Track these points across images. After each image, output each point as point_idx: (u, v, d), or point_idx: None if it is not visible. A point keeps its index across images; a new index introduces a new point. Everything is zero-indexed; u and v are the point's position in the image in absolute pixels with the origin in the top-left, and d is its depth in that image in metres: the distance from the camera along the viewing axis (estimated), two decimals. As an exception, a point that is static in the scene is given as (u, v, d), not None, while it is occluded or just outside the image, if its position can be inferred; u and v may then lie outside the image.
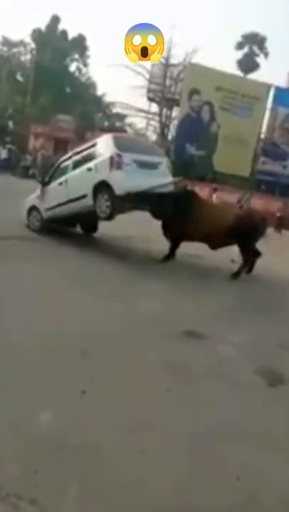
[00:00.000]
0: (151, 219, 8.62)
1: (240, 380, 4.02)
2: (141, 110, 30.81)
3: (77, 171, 8.59)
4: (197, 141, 27.11)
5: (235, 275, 8.12)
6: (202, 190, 21.99)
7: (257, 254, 8.46)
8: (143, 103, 30.96)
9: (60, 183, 9.00)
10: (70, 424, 2.99)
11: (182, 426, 3.17)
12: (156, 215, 8.50)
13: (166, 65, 28.50)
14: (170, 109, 29.82)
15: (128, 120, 37.04)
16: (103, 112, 40.56)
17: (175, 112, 29.70)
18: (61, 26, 38.34)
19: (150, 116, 31.26)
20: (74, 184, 8.60)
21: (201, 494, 2.55)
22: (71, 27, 45.58)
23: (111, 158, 7.76)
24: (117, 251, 8.97)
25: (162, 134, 29.48)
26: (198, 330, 5.03)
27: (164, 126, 29.42)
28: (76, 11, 61.10)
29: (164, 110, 29.47)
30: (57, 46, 37.00)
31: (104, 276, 6.88)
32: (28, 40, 38.68)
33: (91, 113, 37.81)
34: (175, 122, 29.26)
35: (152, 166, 8.15)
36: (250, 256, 8.35)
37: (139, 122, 36.31)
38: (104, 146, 8.16)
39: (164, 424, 3.16)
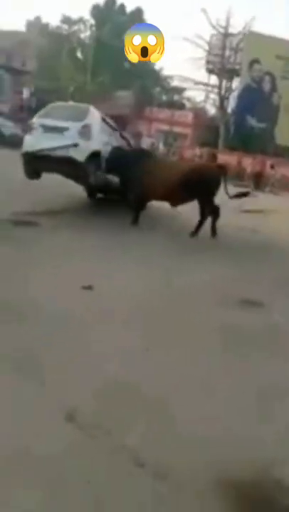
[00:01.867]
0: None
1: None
2: (200, 83, 30.40)
3: None
4: (258, 113, 26.50)
5: (194, 233, 8.15)
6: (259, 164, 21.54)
7: (216, 210, 8.28)
8: (202, 76, 30.57)
9: None
10: (138, 374, 3.38)
11: (240, 384, 3.48)
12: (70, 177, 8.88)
13: (225, 35, 27.85)
14: (230, 80, 29.20)
15: (187, 93, 36.64)
16: (161, 87, 40.28)
17: (235, 83, 29.04)
18: (119, 1, 38.26)
19: (209, 88, 30.79)
20: None
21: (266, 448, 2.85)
22: (129, 1, 45.24)
23: (28, 125, 9.17)
24: (161, 225, 9.13)
25: (221, 107, 28.99)
26: (253, 298, 5.26)
27: (223, 99, 28.89)
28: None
29: (224, 82, 28.88)
30: (115, 21, 36.98)
31: (152, 247, 7.17)
32: (87, 17, 39.03)
33: (149, 88, 37.70)
34: (235, 94, 28.63)
35: (58, 130, 8.34)
36: (209, 212, 8.24)
37: (198, 95, 35.87)
38: None
39: (221, 383, 3.48)
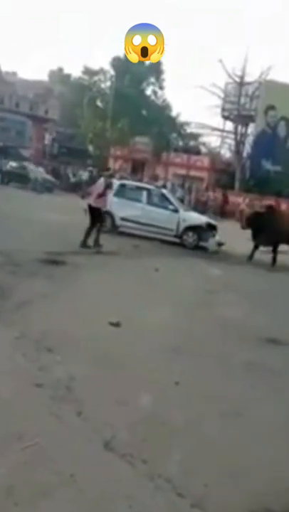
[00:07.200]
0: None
1: None
2: (215, 129, 31.28)
3: None
4: (273, 157, 27.03)
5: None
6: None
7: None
8: (217, 122, 31.42)
9: None
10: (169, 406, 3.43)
11: (268, 415, 3.49)
12: None
13: (241, 83, 28.86)
14: (245, 126, 30.00)
15: (203, 139, 37.64)
16: (178, 133, 41.51)
17: (250, 129, 29.85)
18: (138, 53, 40.12)
19: (224, 134, 31.62)
20: None
21: None
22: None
23: None
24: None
25: (237, 151, 29.66)
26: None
27: (238, 144, 29.60)
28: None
29: (239, 127, 29.70)
30: (134, 72, 38.73)
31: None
32: (107, 67, 40.99)
33: (166, 134, 38.87)
34: (250, 139, 29.35)
35: None
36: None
37: (213, 141, 36.79)
38: None
39: (252, 411, 3.50)
